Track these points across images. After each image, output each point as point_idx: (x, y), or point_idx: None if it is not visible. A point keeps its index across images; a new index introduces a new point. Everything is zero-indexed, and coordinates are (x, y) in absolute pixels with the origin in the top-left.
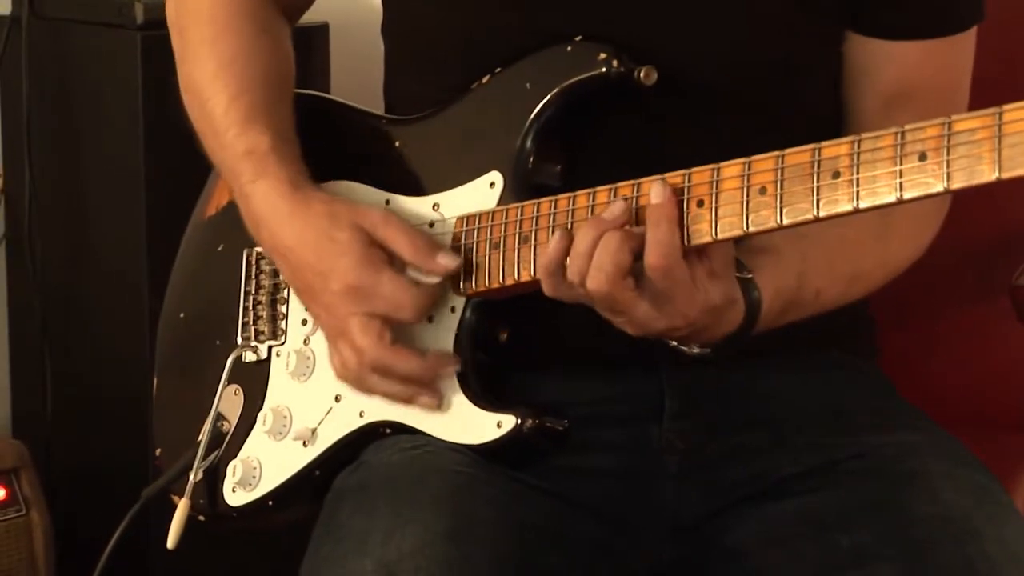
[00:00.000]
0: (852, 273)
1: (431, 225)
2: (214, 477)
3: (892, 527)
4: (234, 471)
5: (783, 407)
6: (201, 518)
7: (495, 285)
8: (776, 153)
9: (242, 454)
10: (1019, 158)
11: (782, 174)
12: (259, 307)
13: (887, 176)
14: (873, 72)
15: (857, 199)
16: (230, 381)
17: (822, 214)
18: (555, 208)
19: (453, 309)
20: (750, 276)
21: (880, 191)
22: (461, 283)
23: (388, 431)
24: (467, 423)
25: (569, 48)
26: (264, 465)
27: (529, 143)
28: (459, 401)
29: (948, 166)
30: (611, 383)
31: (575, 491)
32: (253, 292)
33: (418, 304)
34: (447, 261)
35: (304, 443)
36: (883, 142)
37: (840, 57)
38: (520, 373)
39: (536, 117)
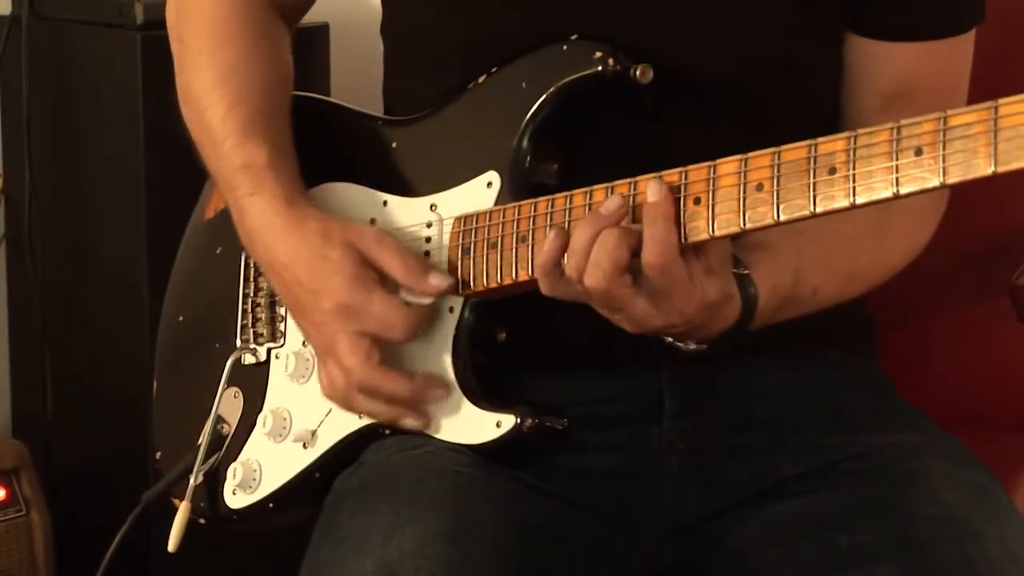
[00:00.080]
0: (849, 270)
1: (429, 225)
2: (214, 480)
3: (892, 527)
4: (234, 474)
5: (782, 405)
6: (202, 521)
7: (493, 285)
8: (772, 150)
9: (242, 456)
10: (1015, 152)
11: (778, 170)
12: (258, 309)
13: (883, 171)
14: (872, 73)
15: (853, 195)
16: (230, 383)
17: (819, 210)
18: (552, 207)
19: (451, 309)
20: (746, 272)
21: (876, 186)
22: (459, 284)
23: (387, 432)
24: (466, 423)
25: (565, 47)
26: (264, 467)
27: (526, 143)
28: (458, 401)
29: (944, 160)
30: (610, 382)
31: (575, 491)
32: (252, 295)
33: (408, 324)
34: (439, 282)
35: (304, 445)
36: (879, 137)
37: (840, 57)
38: (519, 373)
39: (533, 116)
